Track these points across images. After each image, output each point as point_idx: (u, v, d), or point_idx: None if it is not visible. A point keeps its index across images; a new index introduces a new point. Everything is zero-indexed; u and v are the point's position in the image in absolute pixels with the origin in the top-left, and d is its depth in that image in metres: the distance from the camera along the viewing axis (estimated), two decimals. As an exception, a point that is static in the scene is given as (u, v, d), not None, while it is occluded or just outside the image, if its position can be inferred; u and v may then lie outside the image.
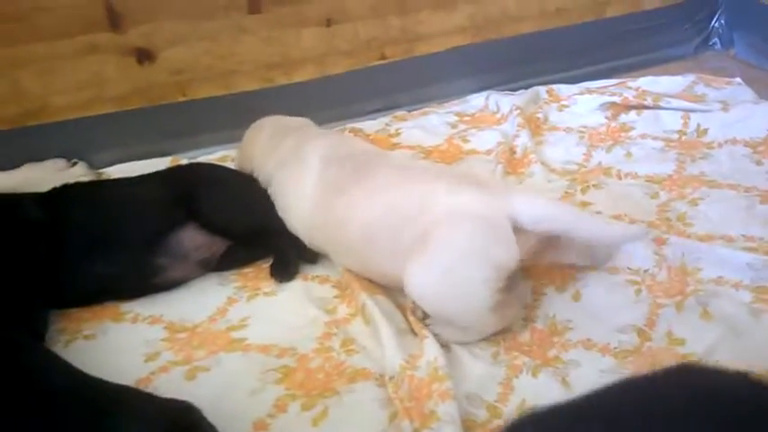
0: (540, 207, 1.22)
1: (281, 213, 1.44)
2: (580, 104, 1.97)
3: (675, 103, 1.91)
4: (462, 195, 1.21)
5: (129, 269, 1.34)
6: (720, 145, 1.77)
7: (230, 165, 1.69)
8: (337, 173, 1.36)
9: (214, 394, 1.14)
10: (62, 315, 1.34)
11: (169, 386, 1.16)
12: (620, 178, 1.68)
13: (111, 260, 1.33)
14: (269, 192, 1.47)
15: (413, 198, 1.24)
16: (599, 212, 1.52)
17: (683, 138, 1.82)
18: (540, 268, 1.38)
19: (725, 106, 1.87)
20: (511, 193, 1.25)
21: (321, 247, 1.41)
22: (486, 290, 1.17)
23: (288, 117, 1.61)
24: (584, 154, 1.78)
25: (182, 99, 1.81)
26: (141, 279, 1.36)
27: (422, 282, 1.18)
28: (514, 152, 1.77)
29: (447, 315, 1.21)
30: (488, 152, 1.78)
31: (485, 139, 1.83)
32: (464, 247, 1.18)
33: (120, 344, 1.28)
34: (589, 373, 1.17)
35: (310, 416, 1.12)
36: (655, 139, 1.83)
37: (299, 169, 1.41)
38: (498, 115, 1.94)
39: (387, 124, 1.93)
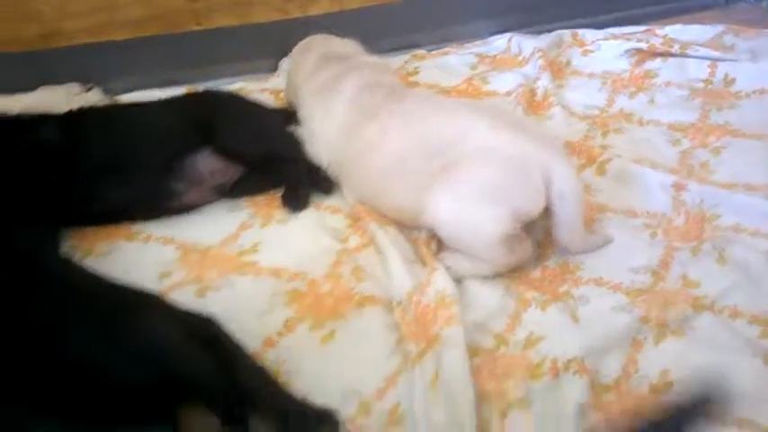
0: (568, 186, 1.20)
1: (305, 138, 1.44)
2: (604, 50, 1.92)
3: (703, 51, 1.86)
4: (502, 135, 1.21)
5: (144, 192, 1.35)
6: (748, 95, 1.72)
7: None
8: (369, 98, 1.36)
9: (225, 313, 1.12)
10: (76, 233, 1.35)
11: (181, 303, 1.17)
12: (641, 124, 1.64)
13: (128, 183, 1.34)
14: (299, 114, 1.47)
15: (452, 129, 1.25)
16: (619, 156, 1.50)
17: (709, 87, 1.77)
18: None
19: (754, 56, 1.82)
20: (556, 153, 1.23)
21: (340, 173, 1.41)
22: (499, 227, 1.17)
23: (335, 40, 1.59)
24: (606, 99, 1.74)
25: (196, 28, 1.78)
26: (156, 202, 1.36)
27: (442, 206, 1.19)
28: (535, 94, 1.73)
29: (459, 242, 1.21)
30: (508, 93, 1.74)
31: (505, 81, 1.79)
32: (489, 184, 1.18)
33: (133, 262, 1.29)
34: (599, 309, 1.16)
35: (318, 336, 1.13)
36: (680, 87, 1.78)
37: (332, 95, 1.41)
38: (520, 58, 1.90)
39: (405, 62, 1.89)
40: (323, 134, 1.41)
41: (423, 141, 1.26)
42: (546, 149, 1.21)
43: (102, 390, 0.91)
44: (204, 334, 1.01)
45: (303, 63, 1.55)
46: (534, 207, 1.20)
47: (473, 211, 1.17)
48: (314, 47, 1.57)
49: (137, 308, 1.00)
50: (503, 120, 1.26)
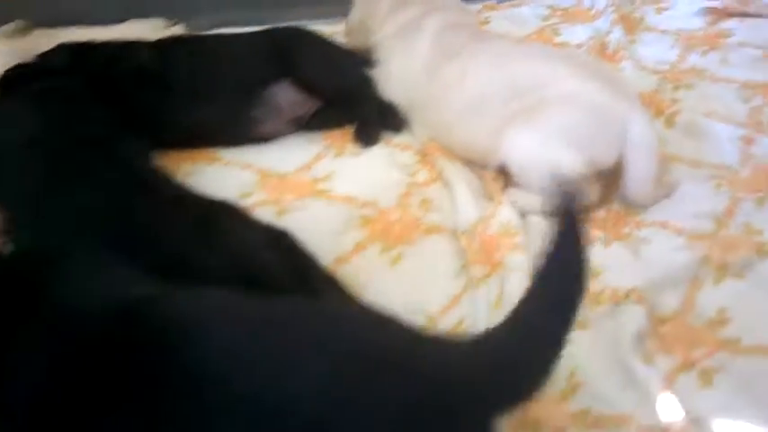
0: (645, 140, 1.23)
1: (382, 78, 1.49)
2: (679, 8, 1.91)
3: (782, 11, 1.83)
4: (586, 84, 1.25)
5: (227, 117, 1.43)
6: (826, 57, 1.70)
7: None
8: (452, 39, 1.41)
9: (301, 232, 1.21)
10: (162, 155, 1.43)
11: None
12: (713, 81, 1.64)
13: (213, 108, 1.42)
14: (375, 57, 1.52)
15: (535, 73, 1.29)
16: (688, 109, 1.51)
17: (786, 49, 1.75)
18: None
19: (836, 17, 1.78)
20: (635, 105, 1.26)
21: (415, 112, 1.46)
22: (572, 171, 1.20)
23: None
24: (677, 55, 1.74)
25: (279, -32, 1.84)
26: (237, 129, 1.44)
27: (519, 144, 1.24)
28: (606, 48, 1.74)
29: (530, 180, 1.25)
30: (579, 46, 1.75)
31: (576, 33, 1.80)
32: (568, 128, 1.22)
33: (216, 183, 1.36)
34: (661, 249, 1.20)
35: (388, 257, 1.20)
36: (754, 47, 1.76)
37: (414, 35, 1.45)
38: (592, 11, 1.89)
39: (477, 12, 1.91)
40: (401, 74, 1.46)
41: (503, 84, 1.30)
42: (626, 101, 1.25)
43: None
44: (280, 244, 1.09)
45: (377, 6, 1.59)
46: (609, 157, 1.24)
47: (550, 151, 1.21)
48: None
49: (223, 215, 1.09)
50: (586, 68, 1.29)
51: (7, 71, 1.39)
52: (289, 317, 0.68)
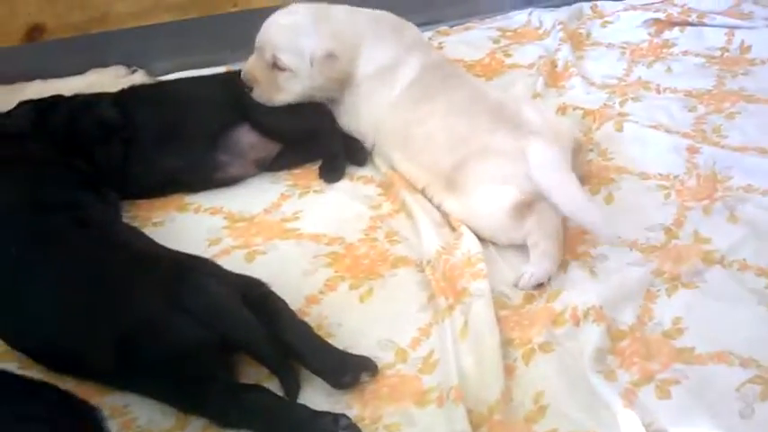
0: (544, 158, 1.28)
1: (347, 115, 1.54)
2: (623, 21, 1.99)
3: (720, 19, 1.92)
4: (497, 134, 1.33)
5: (193, 163, 1.47)
6: (763, 62, 1.79)
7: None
8: (430, 79, 1.48)
9: (271, 274, 1.24)
10: (133, 205, 1.47)
11: (231, 267, 1.26)
12: (658, 92, 1.72)
13: (178, 154, 1.46)
14: (349, 91, 1.54)
15: (465, 129, 1.37)
16: (636, 122, 1.58)
17: (726, 54, 1.84)
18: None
19: (771, 23, 1.87)
20: (534, 137, 1.31)
21: (383, 145, 1.52)
22: (507, 201, 1.28)
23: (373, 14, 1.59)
24: (624, 69, 1.82)
25: (233, 9, 1.88)
26: (204, 173, 1.48)
27: (459, 211, 1.35)
28: (555, 66, 1.81)
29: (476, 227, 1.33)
30: (530, 66, 1.82)
31: (526, 54, 1.87)
32: (494, 176, 1.30)
33: (186, 230, 1.40)
34: (616, 265, 1.26)
35: (357, 294, 1.24)
36: (697, 55, 1.85)
37: (394, 77, 1.50)
38: (541, 31, 1.97)
39: (430, 38, 1.97)
40: (377, 109, 1.50)
41: (447, 133, 1.38)
42: (526, 136, 1.31)
43: (166, 347, 1.03)
44: (254, 294, 1.12)
45: (366, 37, 1.54)
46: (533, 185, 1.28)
47: (487, 206, 1.30)
48: (364, 26, 1.56)
49: (194, 272, 1.11)
50: (498, 118, 1.36)
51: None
52: None
